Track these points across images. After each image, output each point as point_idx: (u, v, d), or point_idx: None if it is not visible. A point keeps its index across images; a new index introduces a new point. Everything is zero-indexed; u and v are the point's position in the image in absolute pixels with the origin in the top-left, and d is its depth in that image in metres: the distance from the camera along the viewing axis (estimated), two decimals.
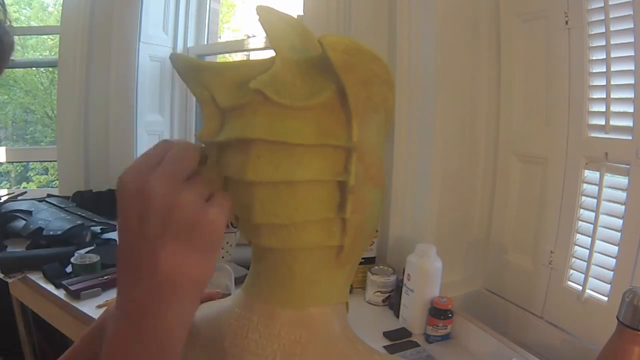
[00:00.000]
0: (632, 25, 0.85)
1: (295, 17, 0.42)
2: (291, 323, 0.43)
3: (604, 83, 0.92)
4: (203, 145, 0.44)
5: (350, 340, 0.45)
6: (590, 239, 0.96)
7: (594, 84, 0.95)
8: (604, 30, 0.91)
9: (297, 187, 0.39)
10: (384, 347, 0.98)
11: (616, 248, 0.91)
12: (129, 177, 0.34)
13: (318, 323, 0.44)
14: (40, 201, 1.76)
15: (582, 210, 0.99)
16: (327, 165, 0.40)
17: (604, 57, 0.91)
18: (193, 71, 0.45)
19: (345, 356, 0.43)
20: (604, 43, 0.91)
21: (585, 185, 0.99)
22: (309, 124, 0.39)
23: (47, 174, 4.69)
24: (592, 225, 0.95)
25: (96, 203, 1.89)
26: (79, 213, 1.66)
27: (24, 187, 4.05)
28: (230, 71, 0.43)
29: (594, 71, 0.95)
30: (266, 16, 0.41)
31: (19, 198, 1.80)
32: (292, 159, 0.39)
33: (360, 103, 0.40)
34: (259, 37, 1.81)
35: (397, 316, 1.11)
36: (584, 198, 0.99)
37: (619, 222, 0.90)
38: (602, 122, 0.93)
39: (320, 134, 0.39)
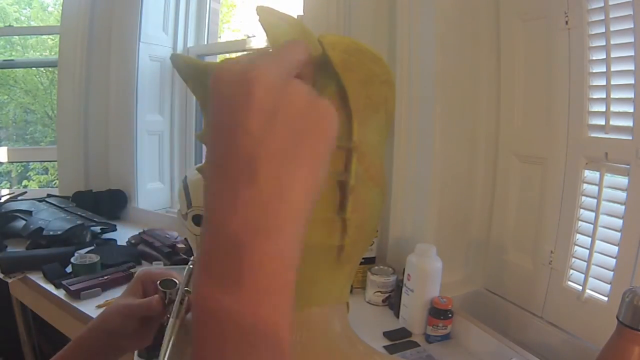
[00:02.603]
0: (632, 25, 0.85)
1: (295, 17, 0.42)
2: (291, 323, 0.43)
3: (604, 83, 0.92)
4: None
5: (351, 340, 0.45)
6: (590, 239, 0.96)
7: (594, 84, 0.95)
8: (604, 30, 0.90)
9: None
10: (384, 347, 0.98)
11: (616, 248, 0.91)
12: (231, 61, 0.28)
13: (318, 323, 0.44)
14: (40, 201, 1.76)
15: (582, 210, 0.99)
16: (330, 165, 0.40)
17: (604, 57, 0.91)
18: (193, 71, 0.45)
19: (346, 356, 0.44)
20: (604, 43, 0.91)
21: (585, 185, 0.98)
22: None
23: (47, 174, 4.68)
24: (592, 225, 0.95)
25: (96, 203, 1.89)
26: (79, 213, 1.67)
27: (24, 187, 4.05)
28: None
29: (594, 71, 0.95)
30: (266, 16, 0.41)
31: (19, 198, 1.80)
32: None
33: (360, 103, 0.40)
34: (259, 37, 1.81)
35: (397, 316, 1.11)
36: (584, 198, 0.99)
37: (619, 222, 0.90)
38: (602, 122, 0.93)
39: None
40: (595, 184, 0.95)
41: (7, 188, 3.64)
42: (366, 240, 0.47)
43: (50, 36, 3.90)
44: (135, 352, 0.87)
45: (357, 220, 0.42)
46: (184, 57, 0.46)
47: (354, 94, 0.39)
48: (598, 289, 0.95)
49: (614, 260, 0.91)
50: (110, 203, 1.94)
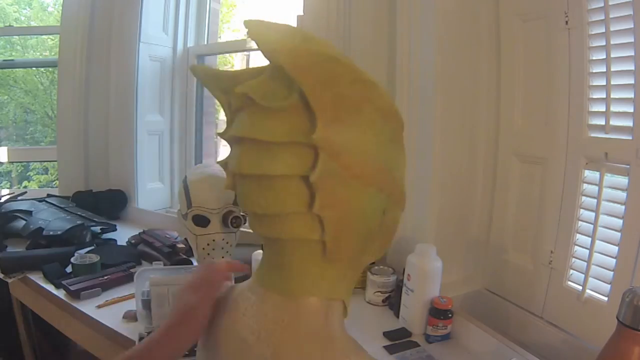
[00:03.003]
0: (632, 25, 0.85)
1: (285, 24, 0.45)
2: (277, 306, 0.48)
3: (604, 83, 0.92)
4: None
5: (331, 335, 0.47)
6: (590, 239, 0.96)
7: (594, 84, 0.95)
8: (604, 30, 0.91)
9: (274, 181, 0.43)
10: (384, 347, 0.98)
11: (616, 248, 0.91)
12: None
13: (301, 311, 0.47)
14: (40, 201, 1.76)
15: (582, 210, 0.99)
16: (296, 161, 0.43)
17: (604, 57, 0.91)
18: (213, 79, 0.50)
19: (319, 347, 0.46)
20: (604, 43, 0.91)
21: (585, 185, 0.98)
22: (282, 123, 0.42)
23: (47, 174, 4.68)
24: (592, 225, 0.95)
25: (96, 203, 1.89)
26: (79, 213, 1.66)
27: (24, 187, 4.05)
28: (244, 76, 0.46)
29: (594, 71, 0.94)
30: (256, 29, 0.43)
31: (19, 198, 1.80)
32: (269, 155, 0.43)
33: (327, 103, 0.42)
34: None
35: (397, 316, 1.11)
36: (584, 198, 0.99)
37: (619, 222, 0.90)
38: (602, 122, 0.93)
39: (290, 132, 0.42)
40: (595, 184, 0.95)
41: (7, 188, 3.64)
42: (357, 239, 0.47)
43: (50, 36, 3.90)
44: None
45: (334, 217, 0.44)
46: (202, 67, 0.52)
47: (314, 94, 0.41)
48: (598, 289, 0.95)
49: (614, 260, 0.91)
50: (110, 203, 1.94)
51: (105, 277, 1.25)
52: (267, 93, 0.42)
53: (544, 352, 1.00)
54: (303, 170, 0.42)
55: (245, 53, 2.08)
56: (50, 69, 4.11)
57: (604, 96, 0.92)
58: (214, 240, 1.20)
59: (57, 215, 1.61)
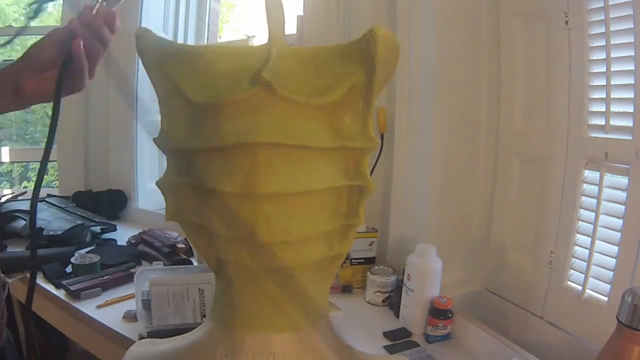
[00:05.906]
0: (632, 25, 0.85)
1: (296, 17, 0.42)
2: (293, 347, 0.38)
3: (604, 83, 0.92)
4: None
5: (347, 349, 0.43)
6: (590, 239, 0.96)
7: (594, 84, 0.95)
8: (604, 30, 0.90)
9: (311, 197, 0.34)
10: (384, 347, 0.98)
11: (616, 248, 0.91)
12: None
13: (319, 342, 0.40)
14: (40, 201, 1.75)
15: (582, 210, 0.99)
16: (340, 169, 0.36)
17: (604, 57, 0.91)
18: (161, 56, 0.39)
19: None
20: (604, 43, 0.91)
21: (585, 185, 0.98)
22: (324, 124, 0.34)
23: (47, 174, 4.68)
24: (592, 225, 0.95)
25: (96, 203, 1.89)
26: (79, 213, 1.66)
27: (24, 187, 4.04)
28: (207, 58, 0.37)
29: (594, 71, 0.94)
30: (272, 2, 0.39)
31: (19, 198, 1.80)
32: (308, 165, 0.34)
33: (375, 100, 0.37)
34: (259, 37, 1.81)
35: (397, 316, 1.10)
36: (584, 198, 0.99)
37: (619, 222, 0.90)
38: (602, 122, 0.93)
39: (335, 136, 0.35)
40: (595, 184, 0.95)
41: (8, 188, 3.63)
42: None
43: None
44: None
45: (357, 225, 0.38)
46: (155, 36, 0.40)
47: (377, 90, 0.36)
48: (598, 289, 0.95)
49: (614, 260, 0.91)
50: (110, 203, 1.94)
51: (105, 277, 1.25)
52: (284, 83, 0.33)
53: (544, 352, 0.99)
54: (346, 178, 0.35)
55: None
56: None
57: (604, 96, 0.92)
58: None
59: (57, 215, 1.61)
